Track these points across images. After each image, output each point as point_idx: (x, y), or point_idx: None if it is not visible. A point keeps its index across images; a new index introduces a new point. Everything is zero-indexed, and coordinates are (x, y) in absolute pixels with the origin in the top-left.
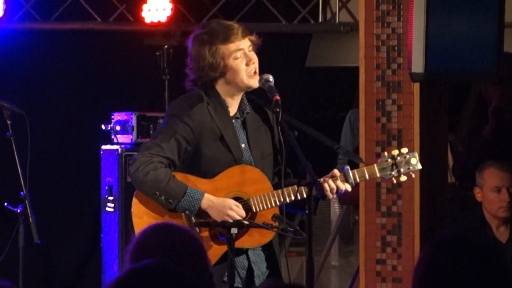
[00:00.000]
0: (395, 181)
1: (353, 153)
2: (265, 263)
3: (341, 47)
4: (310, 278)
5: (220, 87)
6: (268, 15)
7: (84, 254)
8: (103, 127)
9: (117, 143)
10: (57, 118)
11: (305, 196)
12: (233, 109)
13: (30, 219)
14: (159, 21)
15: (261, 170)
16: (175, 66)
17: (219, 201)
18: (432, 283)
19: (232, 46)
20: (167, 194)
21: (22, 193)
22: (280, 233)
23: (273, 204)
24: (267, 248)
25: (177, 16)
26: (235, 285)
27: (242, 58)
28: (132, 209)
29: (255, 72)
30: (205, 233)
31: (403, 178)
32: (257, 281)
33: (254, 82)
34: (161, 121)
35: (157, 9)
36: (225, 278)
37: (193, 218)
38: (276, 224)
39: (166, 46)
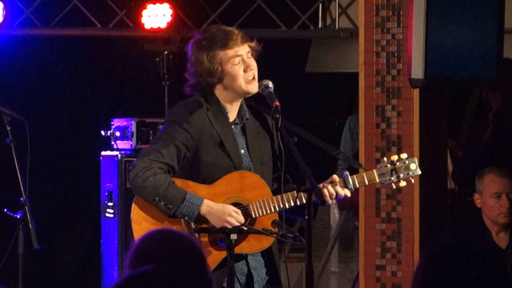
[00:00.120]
0: (394, 187)
1: (352, 159)
2: (265, 269)
3: (340, 53)
4: (310, 284)
5: (219, 92)
6: (268, 21)
7: (83, 260)
8: (102, 133)
9: (117, 149)
10: (57, 124)
11: (304, 202)
12: (232, 115)
13: (30, 225)
14: (159, 27)
15: (261, 176)
16: (174, 72)
17: (218, 207)
18: None
19: (230, 52)
20: (167, 200)
21: (21, 199)
22: (279, 239)
23: (273, 210)
24: (267, 254)
25: (177, 22)
26: None
27: (240, 64)
28: (131, 215)
29: (253, 78)
30: (205, 239)
31: (403, 183)
32: (257, 287)
33: (252, 88)
34: (160, 127)
35: (157, 15)
36: (225, 284)
37: (192, 224)
38: (276, 230)
39: (166, 52)
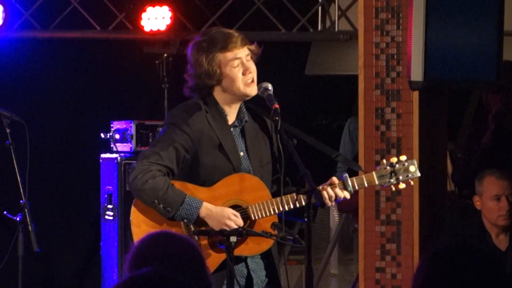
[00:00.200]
0: (394, 189)
1: (352, 161)
2: (264, 271)
3: (340, 56)
4: (310, 286)
5: (218, 95)
6: (268, 24)
7: (83, 262)
8: (102, 135)
9: (116, 152)
10: (57, 126)
11: (304, 204)
12: (231, 118)
13: (30, 228)
14: (158, 30)
15: (260, 178)
16: (174, 75)
17: (217, 210)
18: None
19: (229, 54)
20: (166, 202)
21: (21, 201)
22: (279, 241)
23: (272, 212)
24: (266, 256)
25: (177, 24)
26: None
27: (239, 67)
28: (130, 218)
29: (252, 81)
30: (204, 241)
31: (402, 185)
32: None
33: (251, 91)
34: (160, 129)
35: (156, 18)
36: (224, 286)
37: (191, 226)
38: (275, 232)
39: (165, 55)
